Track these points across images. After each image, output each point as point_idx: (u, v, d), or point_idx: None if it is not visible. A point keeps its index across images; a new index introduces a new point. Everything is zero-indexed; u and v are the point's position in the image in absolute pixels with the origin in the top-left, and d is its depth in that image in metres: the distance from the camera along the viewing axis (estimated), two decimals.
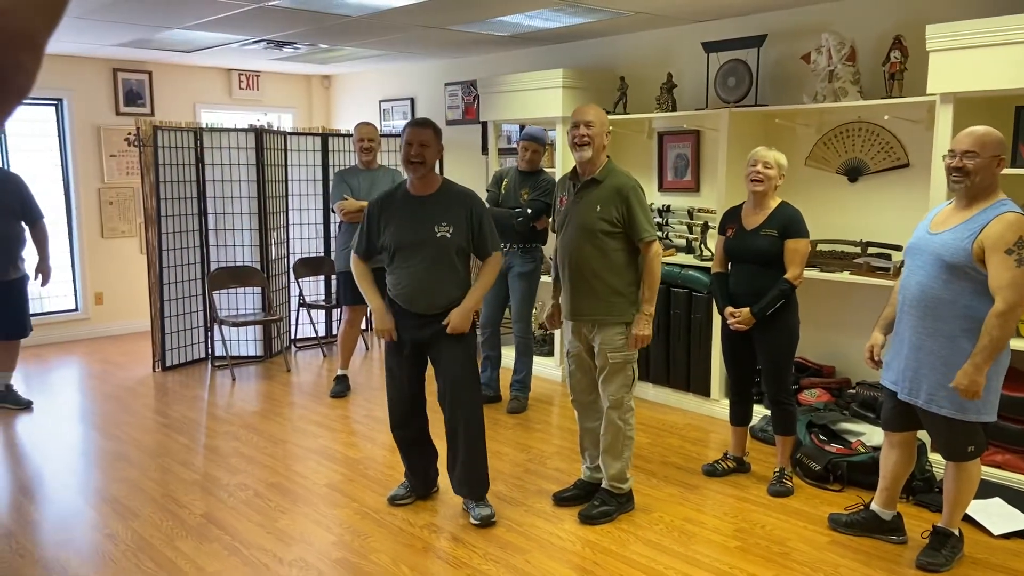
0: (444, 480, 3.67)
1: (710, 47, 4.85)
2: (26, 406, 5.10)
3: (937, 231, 2.89)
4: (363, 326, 5.61)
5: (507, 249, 4.87)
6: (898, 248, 4.19)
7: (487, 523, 3.40)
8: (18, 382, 5.46)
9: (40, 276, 5.12)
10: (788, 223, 3.57)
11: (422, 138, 3.29)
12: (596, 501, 3.48)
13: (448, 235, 3.33)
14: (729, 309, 3.68)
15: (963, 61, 3.55)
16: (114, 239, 7.23)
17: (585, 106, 3.38)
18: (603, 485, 3.51)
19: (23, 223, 4.95)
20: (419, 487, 3.65)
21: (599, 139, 3.30)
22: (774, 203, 3.63)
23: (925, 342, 2.89)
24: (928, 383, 2.89)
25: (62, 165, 6.97)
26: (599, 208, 3.29)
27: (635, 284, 3.35)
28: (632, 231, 3.29)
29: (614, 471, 3.46)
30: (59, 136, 6.94)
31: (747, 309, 3.60)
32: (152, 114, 7.27)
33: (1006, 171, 3.27)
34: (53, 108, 6.89)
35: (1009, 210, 2.75)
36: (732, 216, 3.75)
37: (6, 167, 4.98)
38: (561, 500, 3.61)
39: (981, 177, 2.79)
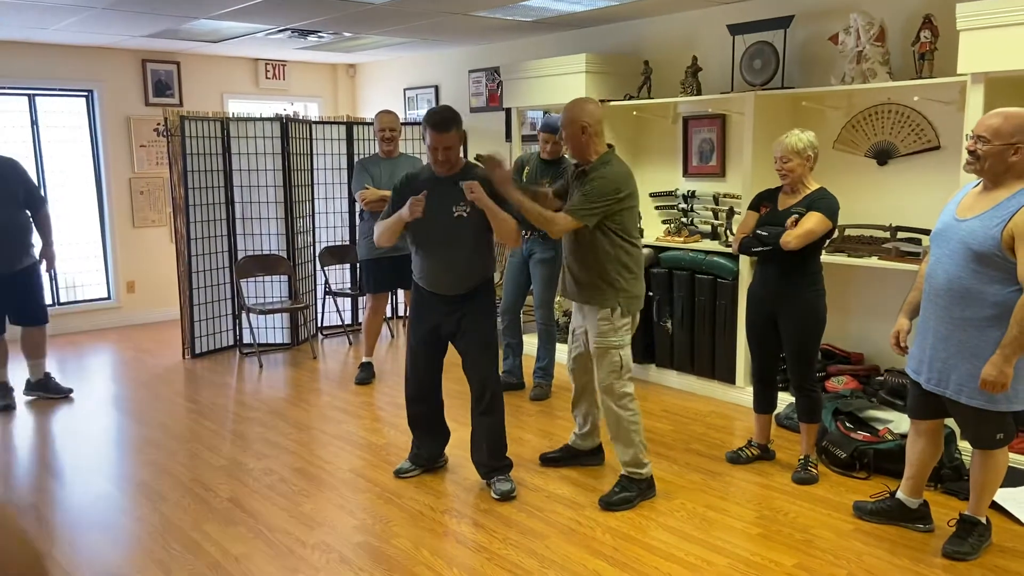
0: (453, 457, 3.76)
1: (736, 29, 4.78)
2: (66, 395, 5.17)
3: (964, 217, 2.82)
4: (387, 314, 5.64)
5: (528, 236, 4.86)
6: (928, 232, 4.11)
7: (507, 498, 3.47)
8: (53, 369, 5.57)
9: (44, 262, 5.03)
10: (814, 201, 3.50)
11: (446, 143, 3.32)
12: (616, 487, 3.49)
13: (464, 215, 3.38)
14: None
15: (994, 40, 3.46)
16: (145, 228, 7.34)
17: (566, 106, 3.40)
18: (622, 471, 3.52)
19: (27, 210, 4.88)
20: (424, 460, 3.78)
21: (574, 139, 3.36)
22: (812, 187, 3.57)
23: (953, 333, 2.82)
24: (957, 374, 2.83)
25: (93, 156, 7.09)
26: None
27: (621, 272, 3.37)
28: None
29: (627, 458, 3.48)
30: (90, 127, 7.05)
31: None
32: (181, 104, 7.35)
33: None
34: (84, 99, 7.00)
35: None
36: (769, 196, 3.70)
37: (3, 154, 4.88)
38: (546, 461, 3.88)
39: (991, 163, 2.73)
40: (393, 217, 3.43)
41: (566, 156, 5.02)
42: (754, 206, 3.74)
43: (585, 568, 2.92)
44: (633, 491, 3.46)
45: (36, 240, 5.00)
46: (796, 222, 3.45)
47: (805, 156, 3.51)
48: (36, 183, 5.03)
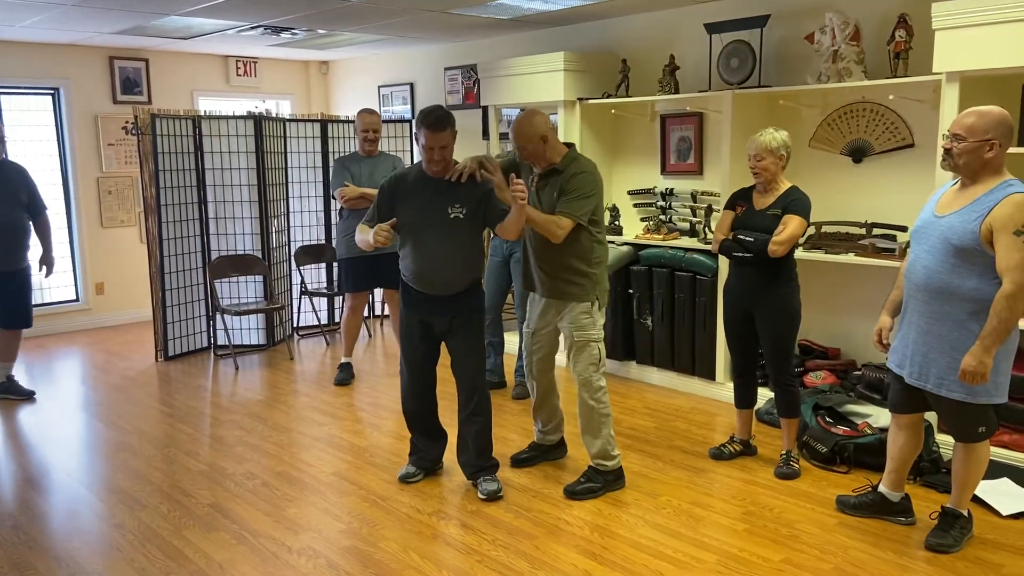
0: (449, 461, 3.73)
1: (713, 28, 4.80)
2: (28, 396, 5.10)
3: (943, 213, 2.87)
4: (365, 313, 5.59)
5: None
6: (903, 229, 4.17)
7: (494, 498, 3.47)
8: (20, 373, 5.45)
9: (44, 267, 5.15)
10: (790, 202, 3.55)
11: (442, 142, 3.29)
12: (583, 478, 3.57)
13: (461, 216, 3.37)
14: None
15: (970, 39, 3.51)
16: (114, 228, 7.19)
17: (517, 124, 3.42)
18: (590, 463, 3.59)
19: (28, 215, 4.97)
20: (429, 463, 3.75)
21: (537, 151, 3.41)
22: (784, 186, 3.61)
23: (933, 326, 2.87)
24: (937, 367, 2.87)
25: (60, 155, 6.93)
26: (556, 196, 3.41)
27: (595, 265, 3.44)
28: None
29: (595, 449, 3.55)
30: (57, 125, 6.89)
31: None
32: (149, 102, 7.22)
33: (1013, 150, 3.25)
34: (50, 97, 6.84)
35: (1017, 191, 2.73)
36: (744, 195, 3.74)
37: (11, 159, 5.00)
38: (518, 462, 3.85)
39: (967, 160, 2.79)
40: (363, 242, 3.41)
41: None
42: (730, 205, 3.78)
43: (575, 568, 2.92)
44: (598, 482, 3.53)
45: (33, 246, 5.05)
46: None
47: (778, 155, 3.56)
48: (39, 190, 5.09)
